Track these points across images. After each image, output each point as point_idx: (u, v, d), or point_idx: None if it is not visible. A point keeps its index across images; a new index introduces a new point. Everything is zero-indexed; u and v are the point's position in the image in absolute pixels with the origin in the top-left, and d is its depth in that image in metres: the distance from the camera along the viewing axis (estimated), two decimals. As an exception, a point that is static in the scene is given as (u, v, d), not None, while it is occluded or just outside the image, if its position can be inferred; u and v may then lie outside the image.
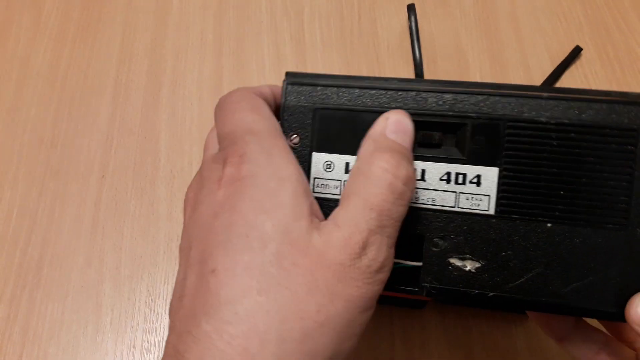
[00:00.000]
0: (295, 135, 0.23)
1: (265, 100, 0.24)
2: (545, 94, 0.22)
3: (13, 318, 0.37)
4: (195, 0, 0.50)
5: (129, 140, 0.43)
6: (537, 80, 0.45)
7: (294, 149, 0.23)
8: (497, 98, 0.22)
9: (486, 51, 0.47)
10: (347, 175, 0.23)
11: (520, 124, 0.22)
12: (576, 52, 0.46)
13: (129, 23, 0.48)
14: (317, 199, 0.23)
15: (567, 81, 0.46)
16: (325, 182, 0.24)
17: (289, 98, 0.24)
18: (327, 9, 0.49)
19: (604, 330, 0.27)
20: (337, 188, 0.23)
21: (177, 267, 0.42)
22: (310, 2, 0.50)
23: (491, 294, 0.22)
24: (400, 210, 0.21)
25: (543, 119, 0.22)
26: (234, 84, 0.46)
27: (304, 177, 0.21)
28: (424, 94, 0.23)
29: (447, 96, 0.22)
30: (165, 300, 0.38)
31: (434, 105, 0.22)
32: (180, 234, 0.40)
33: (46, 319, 0.37)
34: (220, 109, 0.24)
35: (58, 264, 0.38)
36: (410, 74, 0.45)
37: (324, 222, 0.21)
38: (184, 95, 0.45)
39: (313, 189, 0.24)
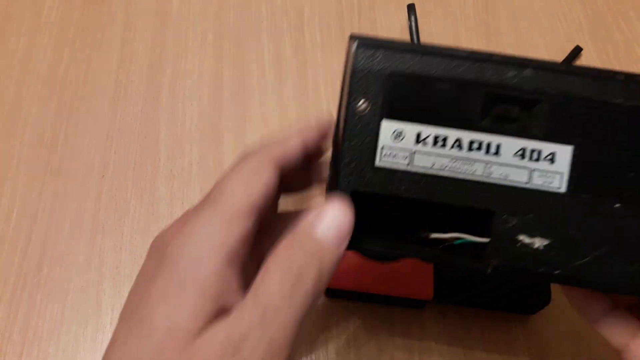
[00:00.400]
0: (363, 101, 0.22)
1: (287, 161, 0.23)
2: (622, 77, 0.22)
3: (13, 318, 0.37)
4: (196, 1, 0.50)
5: (129, 140, 0.43)
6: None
7: (361, 115, 0.22)
8: (575, 77, 0.22)
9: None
10: (417, 146, 0.22)
11: (597, 104, 0.22)
12: (576, 52, 0.46)
13: (129, 23, 0.48)
14: (382, 169, 0.22)
15: (567, 81, 0.46)
16: (393, 151, 0.22)
17: (359, 61, 0.22)
18: (327, 9, 0.49)
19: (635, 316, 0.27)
20: (405, 159, 0.22)
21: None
22: (310, 2, 0.50)
23: (556, 271, 0.22)
24: (294, 308, 0.19)
25: (620, 101, 0.21)
26: (234, 84, 0.46)
27: (227, 274, 0.20)
28: (502, 67, 0.22)
29: (527, 71, 0.22)
30: (165, 300, 0.38)
31: (513, 79, 0.22)
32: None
33: (46, 319, 0.37)
34: (237, 162, 0.23)
35: (58, 264, 0.38)
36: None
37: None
38: (184, 95, 0.45)
39: (380, 158, 0.22)
